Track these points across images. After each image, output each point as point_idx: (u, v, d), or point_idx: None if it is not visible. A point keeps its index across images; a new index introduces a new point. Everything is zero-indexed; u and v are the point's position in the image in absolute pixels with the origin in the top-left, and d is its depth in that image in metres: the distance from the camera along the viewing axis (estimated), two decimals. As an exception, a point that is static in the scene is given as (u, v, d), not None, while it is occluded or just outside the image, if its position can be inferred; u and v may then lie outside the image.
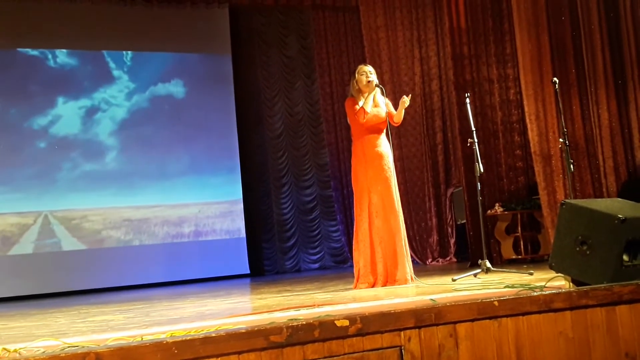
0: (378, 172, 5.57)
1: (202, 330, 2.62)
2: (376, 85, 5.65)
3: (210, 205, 10.61)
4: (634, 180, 7.66)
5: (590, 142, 7.66)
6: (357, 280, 5.51)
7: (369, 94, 5.65)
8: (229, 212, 10.68)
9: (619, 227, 3.23)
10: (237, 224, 10.68)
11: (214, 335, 2.40)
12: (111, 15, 10.11)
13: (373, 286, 5.44)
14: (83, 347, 2.69)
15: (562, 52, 7.66)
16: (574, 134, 7.51)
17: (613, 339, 2.95)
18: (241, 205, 10.74)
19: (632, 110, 7.79)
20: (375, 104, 5.66)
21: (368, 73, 5.66)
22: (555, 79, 6.06)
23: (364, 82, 5.64)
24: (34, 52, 9.94)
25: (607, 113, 7.69)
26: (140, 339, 2.54)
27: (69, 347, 2.74)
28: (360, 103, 5.61)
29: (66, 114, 10.01)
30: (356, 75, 5.70)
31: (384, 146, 5.66)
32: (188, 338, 2.38)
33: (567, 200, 3.51)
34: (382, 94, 5.70)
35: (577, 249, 3.37)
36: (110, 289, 9.57)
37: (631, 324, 2.99)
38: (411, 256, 5.65)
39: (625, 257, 3.28)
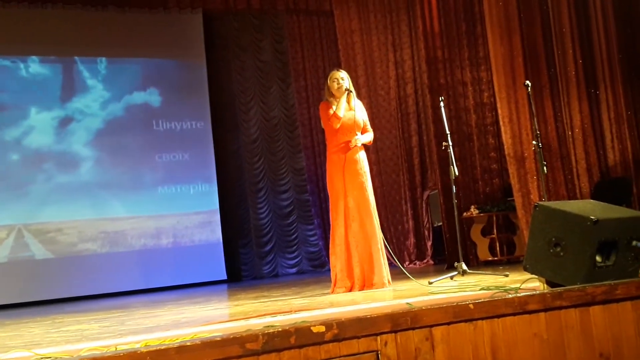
0: (353, 176, 5.57)
1: (178, 339, 2.60)
2: (346, 89, 5.64)
3: (188, 216, 10.48)
4: (606, 181, 7.74)
5: (563, 144, 7.73)
6: (334, 285, 5.52)
7: (341, 98, 5.65)
8: (208, 222, 10.55)
9: (591, 229, 3.26)
10: (217, 235, 10.57)
11: (189, 344, 2.38)
12: (83, 21, 10.01)
13: (350, 290, 5.44)
14: (56, 358, 2.66)
15: (534, 54, 7.73)
16: (547, 136, 7.58)
17: (587, 339, 2.98)
18: (219, 215, 10.66)
19: (604, 112, 7.87)
20: (349, 107, 5.67)
21: (339, 79, 5.66)
22: (527, 81, 6.11)
23: (335, 88, 5.66)
24: (5, 62, 9.79)
25: (579, 114, 7.77)
26: (114, 349, 2.51)
27: (41, 358, 2.71)
28: (334, 108, 5.62)
29: (39, 125, 9.83)
30: (328, 81, 5.72)
31: (359, 150, 5.67)
32: (163, 347, 2.35)
33: (540, 203, 3.53)
34: (354, 97, 5.71)
35: (551, 250, 3.40)
36: (87, 297, 9.45)
37: (605, 324, 3.02)
38: (388, 259, 5.66)
39: (598, 258, 3.32)
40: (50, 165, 9.85)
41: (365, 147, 5.78)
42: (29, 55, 9.86)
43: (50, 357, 2.70)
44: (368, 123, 5.84)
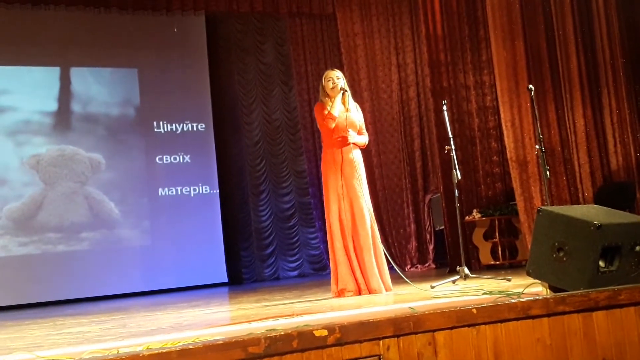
0: (349, 178, 5.50)
1: (179, 342, 2.59)
2: (341, 89, 5.61)
3: (189, 219, 10.36)
4: (609, 186, 7.73)
5: (566, 148, 7.72)
6: (344, 290, 5.41)
7: (336, 97, 5.61)
8: (209, 225, 10.46)
9: (594, 234, 3.25)
10: (218, 237, 10.49)
11: (191, 347, 2.37)
12: (85, 23, 9.97)
13: (359, 294, 5.38)
14: (58, 361, 2.66)
15: (537, 58, 7.72)
16: (549, 140, 7.56)
17: (590, 345, 2.97)
18: (220, 218, 10.65)
19: (607, 116, 7.86)
20: (345, 107, 5.61)
21: (334, 78, 5.61)
22: (530, 85, 6.09)
23: (330, 87, 5.60)
24: (5, 64, 9.73)
25: (582, 119, 7.75)
26: (116, 352, 2.50)
27: (43, 361, 2.70)
28: (328, 108, 5.58)
29: (42, 130, 9.81)
30: (322, 80, 5.68)
31: (355, 151, 5.60)
32: (165, 350, 2.34)
33: (543, 208, 3.52)
34: (349, 97, 5.65)
35: (554, 255, 3.38)
36: (88, 299, 9.44)
37: (608, 330, 3.01)
38: (388, 264, 5.60)
39: (601, 264, 3.30)
40: (54, 171, 9.80)
41: (362, 150, 5.73)
42: (30, 57, 9.83)
43: (51, 360, 2.69)
44: (364, 126, 5.75)
